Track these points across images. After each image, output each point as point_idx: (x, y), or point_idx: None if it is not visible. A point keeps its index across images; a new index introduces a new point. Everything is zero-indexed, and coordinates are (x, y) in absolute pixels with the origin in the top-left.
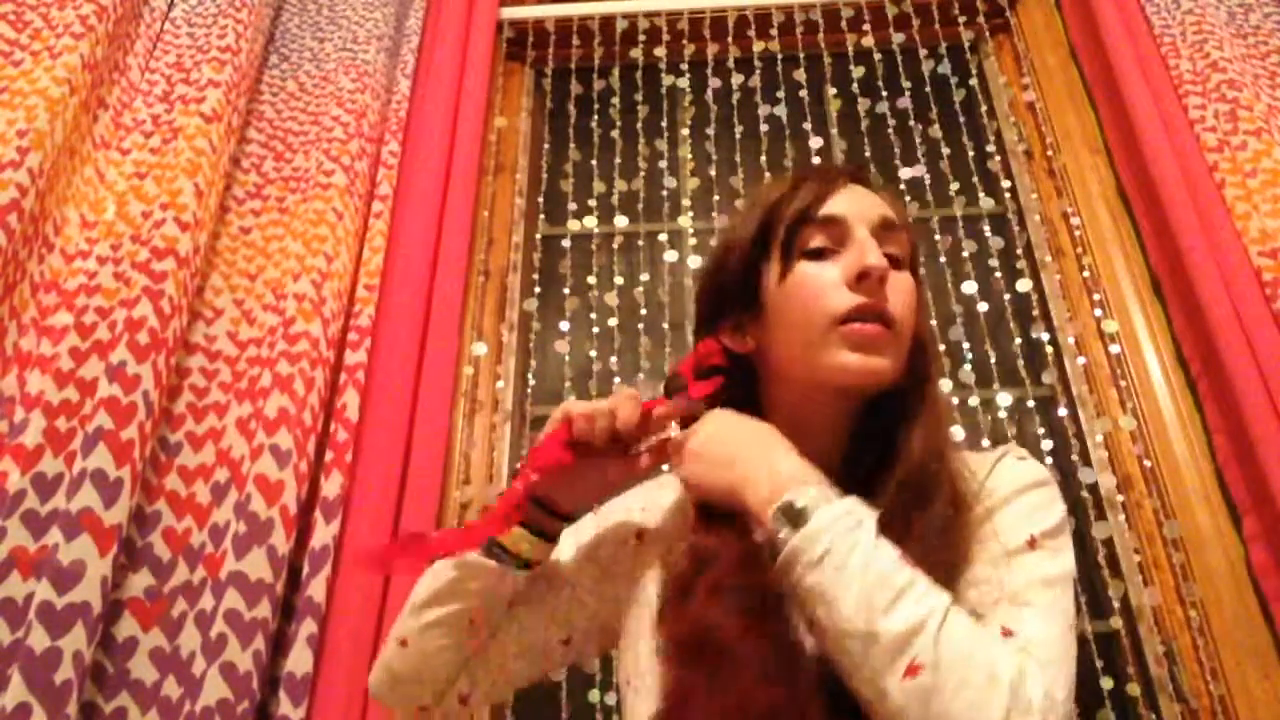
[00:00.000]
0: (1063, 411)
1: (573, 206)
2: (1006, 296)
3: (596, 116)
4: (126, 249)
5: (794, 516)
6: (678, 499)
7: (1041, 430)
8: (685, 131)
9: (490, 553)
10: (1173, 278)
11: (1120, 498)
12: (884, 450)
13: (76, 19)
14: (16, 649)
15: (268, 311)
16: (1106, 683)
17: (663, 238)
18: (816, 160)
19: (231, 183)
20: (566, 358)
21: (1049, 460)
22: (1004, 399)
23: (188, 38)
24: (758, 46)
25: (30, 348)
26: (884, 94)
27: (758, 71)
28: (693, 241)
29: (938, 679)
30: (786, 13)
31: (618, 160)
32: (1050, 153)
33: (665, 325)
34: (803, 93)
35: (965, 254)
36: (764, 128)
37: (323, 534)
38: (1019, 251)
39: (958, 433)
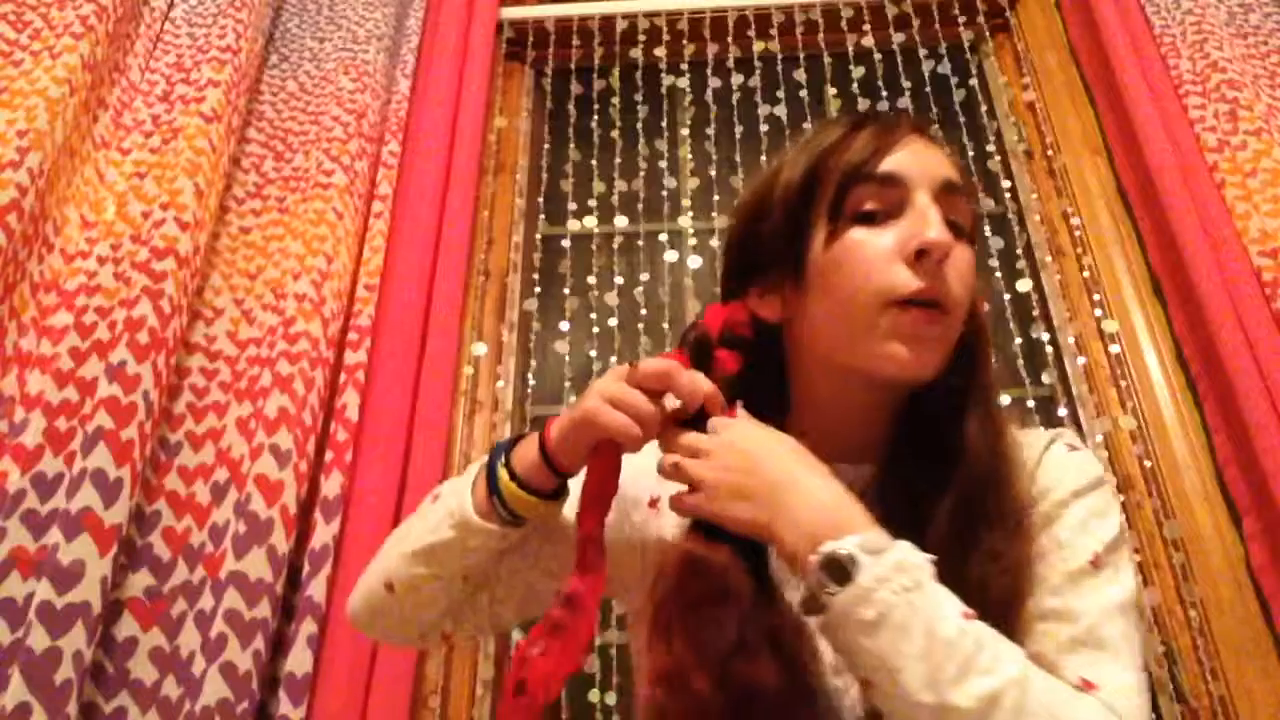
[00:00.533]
0: (1063, 411)
1: (573, 206)
2: (1006, 296)
3: (596, 116)
4: (126, 249)
5: (839, 570)
6: None
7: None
8: (685, 131)
9: (494, 508)
10: (1173, 278)
11: (1120, 498)
12: (932, 442)
13: (76, 19)
14: (16, 649)
15: (268, 311)
16: None
17: (663, 238)
18: None
19: (231, 183)
20: (566, 358)
21: None
22: (1004, 399)
23: (188, 38)
24: (758, 46)
25: (30, 348)
26: (884, 94)
27: (758, 71)
28: (693, 241)
29: None
30: (786, 13)
31: (618, 160)
32: (1050, 153)
33: (665, 325)
34: (803, 93)
35: None
36: (764, 128)
37: (323, 534)
38: (1019, 251)
39: None
